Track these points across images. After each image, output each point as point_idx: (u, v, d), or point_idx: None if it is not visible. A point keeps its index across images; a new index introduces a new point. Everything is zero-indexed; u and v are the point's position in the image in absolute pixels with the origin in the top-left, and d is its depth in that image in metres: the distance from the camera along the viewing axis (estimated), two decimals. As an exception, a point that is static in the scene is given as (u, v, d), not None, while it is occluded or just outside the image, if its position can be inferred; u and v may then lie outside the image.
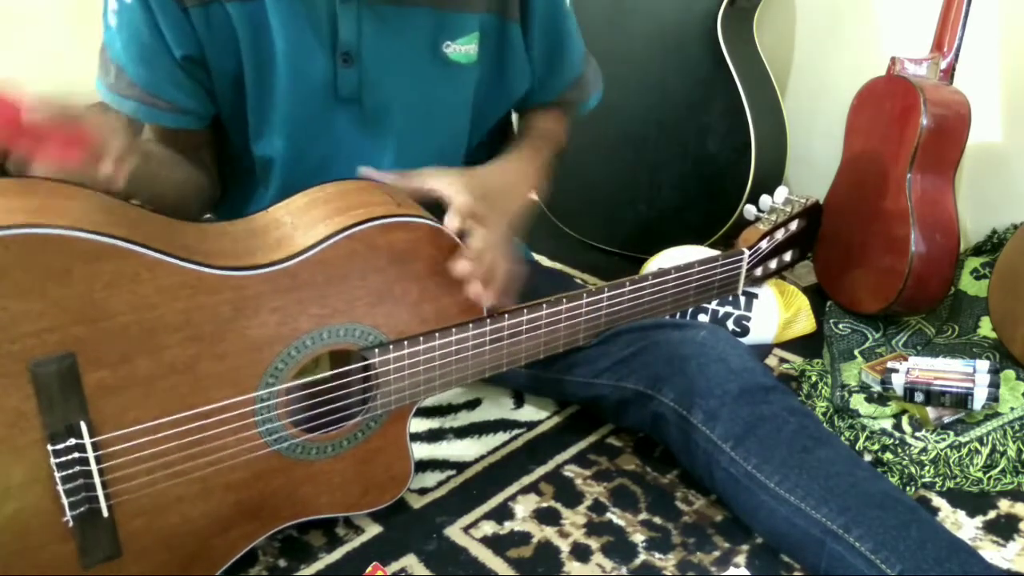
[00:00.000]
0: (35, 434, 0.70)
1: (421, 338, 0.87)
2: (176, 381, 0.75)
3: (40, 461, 0.71)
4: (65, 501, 0.73)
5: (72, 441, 0.71)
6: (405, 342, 0.86)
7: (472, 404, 1.18)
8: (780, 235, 1.27)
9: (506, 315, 0.93)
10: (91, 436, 0.72)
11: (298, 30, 0.91)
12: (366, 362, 0.85)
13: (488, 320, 0.91)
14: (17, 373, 0.68)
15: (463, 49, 1.00)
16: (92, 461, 0.73)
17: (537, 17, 1.04)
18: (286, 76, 0.93)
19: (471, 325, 0.90)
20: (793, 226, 1.29)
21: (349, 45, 0.93)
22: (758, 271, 1.27)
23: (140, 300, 0.71)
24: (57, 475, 0.72)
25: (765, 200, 1.30)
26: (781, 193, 1.30)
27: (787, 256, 1.32)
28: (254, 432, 0.82)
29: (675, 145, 1.54)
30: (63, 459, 0.71)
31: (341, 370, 0.86)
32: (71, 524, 0.74)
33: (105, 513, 0.75)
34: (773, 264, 1.30)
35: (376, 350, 0.85)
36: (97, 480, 0.74)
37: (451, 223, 0.86)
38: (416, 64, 0.98)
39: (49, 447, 0.71)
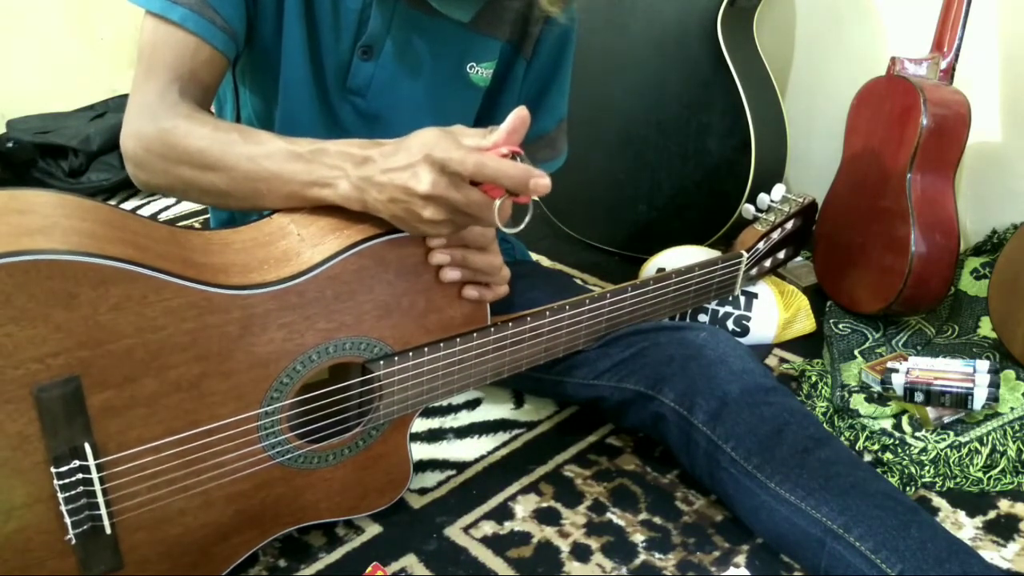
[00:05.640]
0: (38, 456, 0.70)
1: (426, 348, 0.86)
2: (181, 399, 0.75)
3: (43, 483, 0.70)
4: (68, 520, 0.72)
5: (76, 463, 0.71)
6: (410, 353, 0.86)
7: (472, 404, 1.18)
8: (776, 235, 1.27)
9: (510, 323, 0.92)
10: (95, 457, 0.71)
11: (330, 7, 0.91)
12: (372, 374, 0.85)
13: (492, 329, 0.91)
14: (21, 398, 0.67)
15: (483, 72, 1.02)
16: (96, 482, 0.72)
17: (540, 61, 1.06)
18: (304, 47, 0.92)
19: (475, 334, 0.89)
20: (789, 225, 1.29)
21: (373, 39, 0.93)
22: (753, 270, 1.27)
23: (147, 322, 0.70)
24: (60, 496, 0.71)
25: (763, 198, 1.30)
26: (778, 191, 1.30)
27: (781, 254, 1.32)
28: (258, 447, 0.81)
29: (675, 145, 1.54)
30: (66, 481, 0.71)
31: (347, 383, 0.85)
32: (73, 542, 0.73)
33: (108, 531, 0.75)
34: (768, 263, 1.30)
35: (381, 362, 0.84)
36: (101, 500, 0.73)
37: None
38: (435, 75, 0.99)
39: (52, 469, 0.70)
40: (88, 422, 0.70)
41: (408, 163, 0.74)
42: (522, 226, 0.78)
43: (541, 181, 0.73)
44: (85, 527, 0.74)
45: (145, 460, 0.75)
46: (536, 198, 0.75)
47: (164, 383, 0.73)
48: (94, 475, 0.72)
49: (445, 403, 1.17)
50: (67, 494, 0.71)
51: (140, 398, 0.72)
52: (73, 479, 0.71)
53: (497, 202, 0.75)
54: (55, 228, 0.69)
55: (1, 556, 0.71)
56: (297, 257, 0.79)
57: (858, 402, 1.15)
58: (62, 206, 0.72)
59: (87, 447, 0.71)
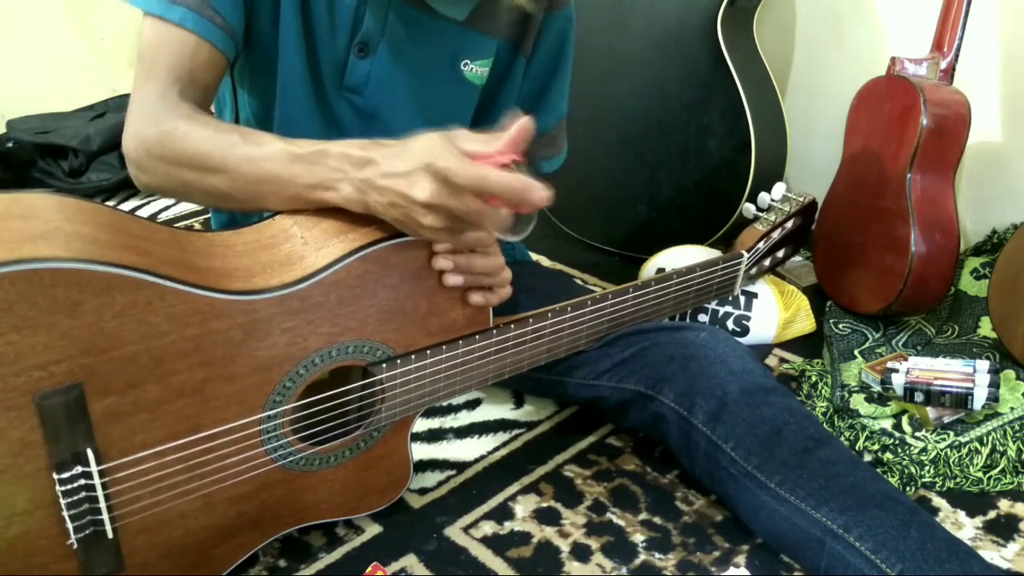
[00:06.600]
0: (40, 463, 0.69)
1: (428, 351, 0.86)
2: (183, 404, 0.74)
3: (45, 488, 0.70)
4: (70, 526, 0.72)
5: (78, 469, 0.70)
6: (413, 356, 0.85)
7: (472, 404, 1.18)
8: (777, 235, 1.27)
9: (511, 325, 0.92)
10: (98, 463, 0.71)
11: (325, 5, 0.91)
12: (375, 377, 0.85)
13: (494, 331, 0.90)
14: (23, 405, 0.67)
15: (479, 70, 1.02)
16: (99, 487, 0.72)
17: (540, 59, 1.07)
18: (301, 45, 0.93)
19: (477, 337, 0.89)
20: (789, 225, 1.29)
21: (369, 36, 0.94)
22: (753, 270, 1.27)
23: (150, 328, 0.70)
24: (62, 501, 0.71)
25: (763, 197, 1.30)
26: (779, 190, 1.31)
27: (780, 253, 1.33)
28: (260, 450, 0.81)
29: (675, 145, 1.54)
30: (68, 487, 0.71)
31: (349, 387, 0.85)
32: (75, 547, 0.73)
33: (110, 535, 0.75)
34: (767, 262, 1.30)
35: (384, 365, 0.84)
36: (103, 505, 0.73)
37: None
38: (430, 73, 0.99)
39: (55, 475, 0.70)
40: (90, 428, 0.70)
41: (408, 170, 0.74)
42: (523, 235, 0.78)
43: (541, 194, 0.73)
44: (87, 532, 0.73)
45: (148, 465, 0.75)
46: None
47: (167, 389, 0.73)
48: (96, 480, 0.72)
49: (445, 403, 1.17)
50: (69, 500, 0.71)
51: (143, 404, 0.72)
52: (75, 485, 0.71)
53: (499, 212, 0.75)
54: (58, 233, 0.68)
55: (3, 561, 0.71)
56: (301, 261, 0.79)
57: (858, 402, 1.15)
58: (64, 210, 0.71)
59: (89, 453, 0.71)
